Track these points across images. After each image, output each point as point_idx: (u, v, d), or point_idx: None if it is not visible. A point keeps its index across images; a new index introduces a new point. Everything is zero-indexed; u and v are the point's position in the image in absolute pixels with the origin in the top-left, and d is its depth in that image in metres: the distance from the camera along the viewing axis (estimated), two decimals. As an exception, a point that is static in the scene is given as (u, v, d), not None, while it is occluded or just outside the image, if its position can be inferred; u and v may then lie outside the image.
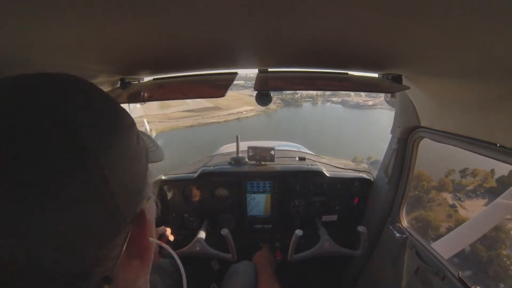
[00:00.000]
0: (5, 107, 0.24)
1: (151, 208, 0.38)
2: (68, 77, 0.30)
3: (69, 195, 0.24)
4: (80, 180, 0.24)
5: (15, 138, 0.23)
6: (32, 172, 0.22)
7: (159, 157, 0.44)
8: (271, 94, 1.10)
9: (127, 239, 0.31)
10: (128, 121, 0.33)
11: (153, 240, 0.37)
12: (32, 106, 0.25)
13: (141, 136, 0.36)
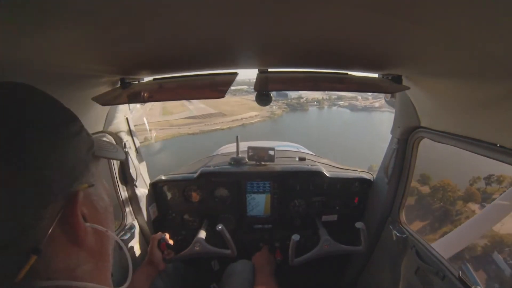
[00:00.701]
0: None
1: (98, 198, 0.43)
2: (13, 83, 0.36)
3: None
4: (11, 148, 0.30)
5: None
6: None
7: (118, 156, 0.54)
8: (271, 94, 1.10)
9: (59, 216, 0.33)
10: (65, 116, 0.39)
11: (91, 224, 0.39)
12: None
13: (87, 132, 0.43)
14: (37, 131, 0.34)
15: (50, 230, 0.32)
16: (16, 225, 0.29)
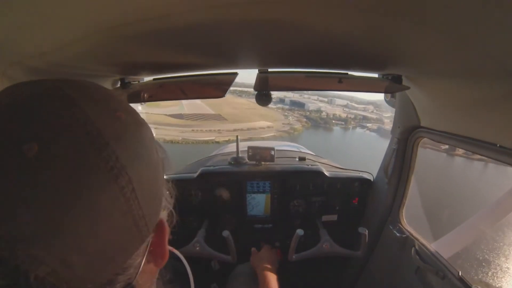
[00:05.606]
0: (31, 113, 0.24)
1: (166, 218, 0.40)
2: (93, 86, 0.31)
3: (102, 206, 0.24)
4: (112, 192, 0.25)
5: (47, 148, 0.22)
6: (66, 185, 0.22)
7: (168, 167, 0.45)
8: (271, 95, 1.10)
9: (148, 247, 0.32)
10: (149, 133, 0.34)
11: (170, 248, 0.38)
12: (64, 116, 0.25)
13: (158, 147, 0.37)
14: (133, 155, 0.28)
15: (142, 265, 0.31)
16: (119, 265, 0.28)
